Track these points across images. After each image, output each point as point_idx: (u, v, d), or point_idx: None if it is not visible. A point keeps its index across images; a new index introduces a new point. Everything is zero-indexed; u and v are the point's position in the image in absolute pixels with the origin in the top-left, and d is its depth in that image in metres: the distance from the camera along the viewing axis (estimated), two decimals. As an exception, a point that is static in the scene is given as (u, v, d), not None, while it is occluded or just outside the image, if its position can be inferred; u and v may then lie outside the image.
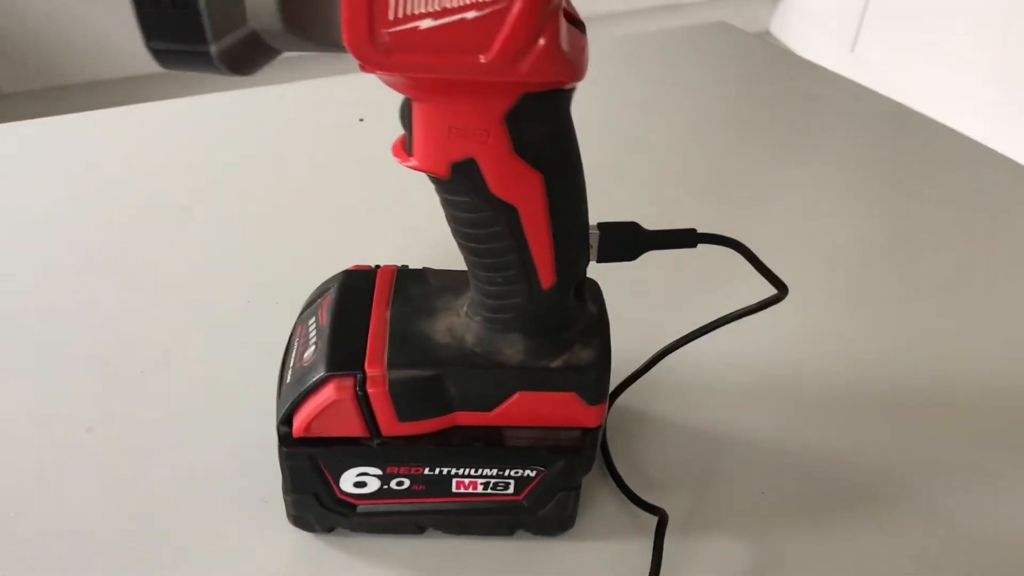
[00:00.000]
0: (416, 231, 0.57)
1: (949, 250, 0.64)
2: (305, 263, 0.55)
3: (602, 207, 0.40)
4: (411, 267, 0.43)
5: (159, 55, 0.29)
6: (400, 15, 0.28)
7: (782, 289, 0.41)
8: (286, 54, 0.31)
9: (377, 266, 0.43)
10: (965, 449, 0.48)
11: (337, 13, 0.28)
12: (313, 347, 0.39)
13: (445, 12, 0.28)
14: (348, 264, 0.44)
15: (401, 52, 0.29)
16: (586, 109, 0.35)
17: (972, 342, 0.56)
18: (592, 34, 0.34)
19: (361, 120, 0.73)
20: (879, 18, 2.31)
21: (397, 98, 0.33)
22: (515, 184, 0.34)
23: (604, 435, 0.47)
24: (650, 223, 0.40)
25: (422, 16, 0.28)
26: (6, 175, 0.66)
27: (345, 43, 0.28)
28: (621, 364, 0.40)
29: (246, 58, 0.30)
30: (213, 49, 0.29)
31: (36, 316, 0.54)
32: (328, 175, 0.67)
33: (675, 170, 0.70)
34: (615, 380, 0.42)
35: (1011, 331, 0.57)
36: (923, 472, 0.46)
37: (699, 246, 0.39)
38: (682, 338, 0.44)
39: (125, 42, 1.99)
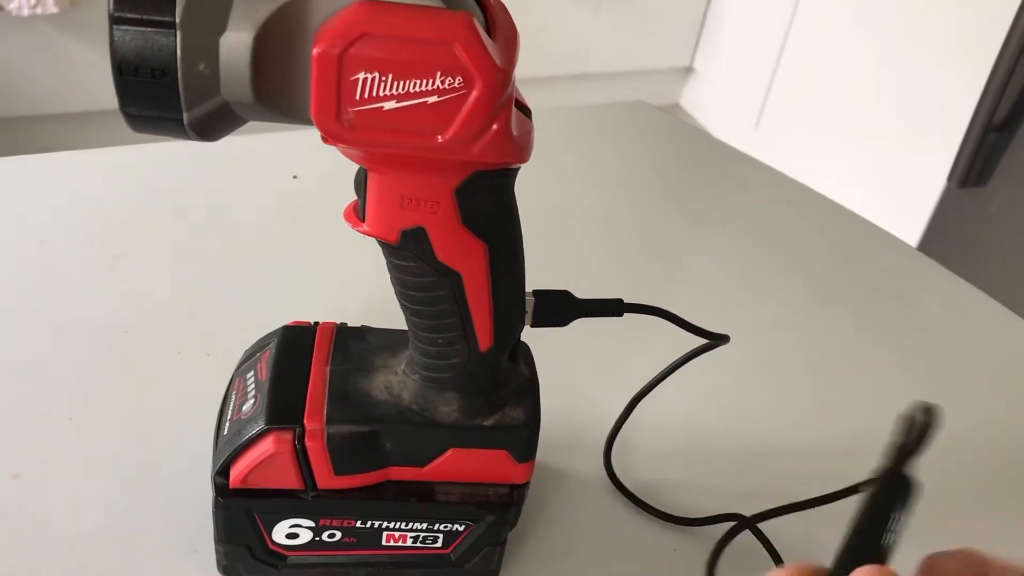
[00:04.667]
0: (349, 289, 0.59)
1: (846, 322, 0.69)
2: (236, 316, 0.56)
3: (530, 274, 0.42)
4: (348, 324, 0.45)
5: (132, 119, 0.31)
6: (366, 96, 0.30)
7: (721, 339, 0.44)
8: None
9: (316, 323, 0.44)
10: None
11: (306, 90, 0.30)
12: (252, 400, 0.41)
13: (408, 96, 0.30)
14: (279, 319, 0.45)
15: (364, 129, 0.31)
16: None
17: (864, 408, 0.60)
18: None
19: (295, 177, 0.74)
20: (782, 97, 2.44)
21: (331, 157, 0.35)
22: (461, 252, 0.36)
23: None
24: (574, 290, 0.42)
25: (387, 98, 0.30)
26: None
27: (313, 118, 0.31)
28: (547, 424, 0.42)
29: (215, 126, 0.31)
30: (186, 118, 0.30)
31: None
32: (261, 230, 0.69)
33: (596, 240, 0.74)
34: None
35: (903, 398, 0.61)
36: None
37: (628, 316, 0.42)
38: (651, 382, 0.47)
39: (40, 76, 1.95)
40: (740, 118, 2.57)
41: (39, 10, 1.80)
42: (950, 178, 1.92)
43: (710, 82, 2.75)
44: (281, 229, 0.69)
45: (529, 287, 0.41)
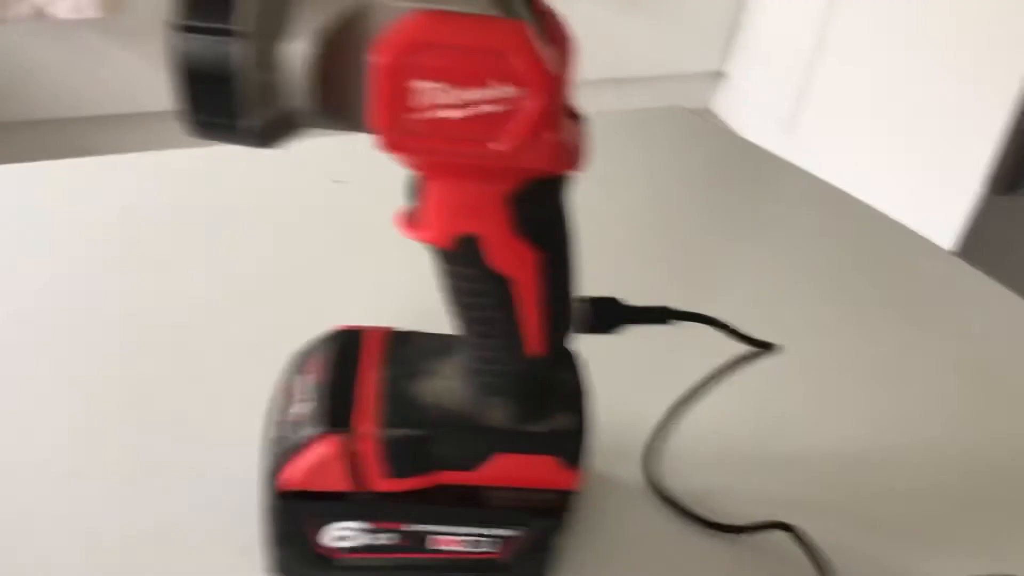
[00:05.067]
0: (393, 293, 0.59)
1: (888, 329, 0.68)
2: (281, 320, 0.57)
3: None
4: (398, 329, 0.45)
5: (194, 126, 0.31)
6: (423, 104, 0.31)
7: (769, 347, 0.44)
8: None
9: (366, 327, 0.45)
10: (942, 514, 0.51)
11: (364, 98, 0.31)
12: (304, 403, 0.41)
13: (464, 104, 0.31)
14: (324, 322, 0.45)
15: (420, 137, 0.31)
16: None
17: (909, 416, 0.59)
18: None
19: (337, 182, 0.75)
20: (814, 102, 2.42)
21: (374, 162, 0.35)
22: (513, 259, 0.36)
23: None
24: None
25: (442, 107, 0.31)
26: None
27: (370, 126, 0.31)
28: (598, 429, 0.42)
29: (275, 134, 0.32)
30: (246, 124, 0.31)
31: (16, 362, 0.54)
32: (305, 234, 0.69)
33: (636, 246, 0.74)
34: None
35: (944, 406, 0.61)
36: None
37: (674, 323, 0.42)
38: (693, 390, 0.47)
39: (88, 82, 1.99)
40: (772, 123, 2.56)
41: (80, 14, 1.83)
42: (987, 185, 1.90)
43: (741, 87, 2.74)
44: (322, 234, 0.70)
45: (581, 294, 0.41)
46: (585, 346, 0.44)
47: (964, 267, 0.79)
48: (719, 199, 0.85)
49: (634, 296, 0.43)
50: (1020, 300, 0.75)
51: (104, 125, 2.06)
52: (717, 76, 2.83)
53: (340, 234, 0.70)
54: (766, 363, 0.46)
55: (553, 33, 0.33)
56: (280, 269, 0.65)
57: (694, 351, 0.48)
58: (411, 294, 0.49)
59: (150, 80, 2.02)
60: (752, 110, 2.70)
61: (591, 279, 0.44)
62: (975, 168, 1.91)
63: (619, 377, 0.55)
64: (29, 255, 0.63)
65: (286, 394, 0.43)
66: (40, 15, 1.83)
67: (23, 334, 0.56)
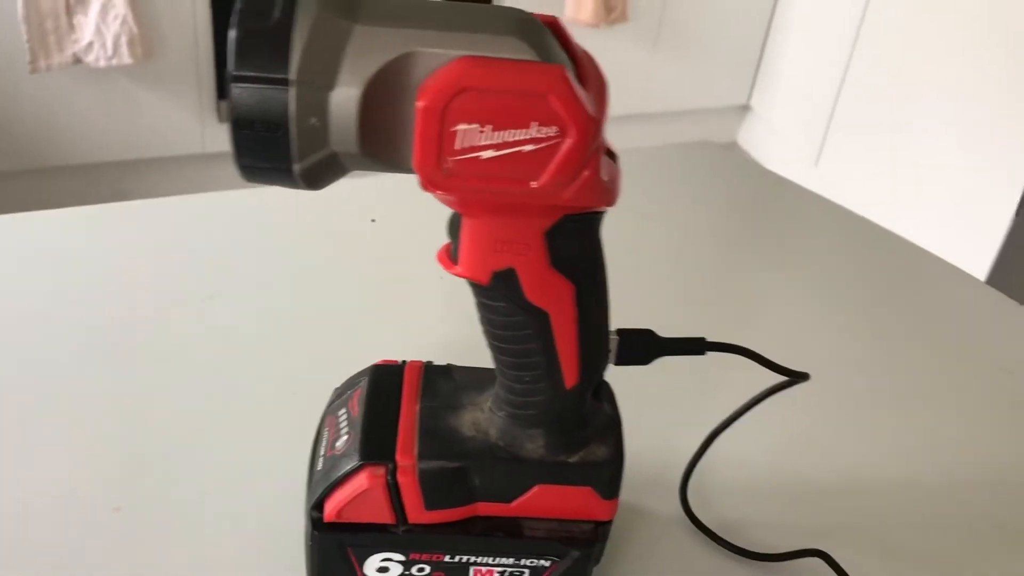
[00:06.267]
0: (429, 328, 0.60)
1: (920, 359, 0.69)
2: (322, 356, 0.58)
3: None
4: (434, 363, 0.46)
5: (246, 170, 0.33)
6: (466, 146, 0.32)
7: (801, 376, 0.45)
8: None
9: (404, 361, 0.46)
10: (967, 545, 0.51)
11: (409, 141, 0.32)
12: (345, 436, 0.42)
13: (505, 145, 0.32)
14: (363, 358, 0.46)
15: (462, 177, 0.33)
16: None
17: (943, 446, 0.60)
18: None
19: (374, 221, 0.76)
20: (841, 134, 2.43)
21: (408, 201, 0.36)
22: (549, 292, 0.37)
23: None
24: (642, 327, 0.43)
25: (485, 148, 0.32)
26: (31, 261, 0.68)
27: (415, 168, 0.32)
28: (626, 461, 0.43)
29: (322, 176, 0.33)
30: (296, 168, 0.32)
31: (66, 399, 0.55)
32: (343, 272, 0.71)
33: (668, 279, 0.75)
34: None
35: (978, 436, 0.61)
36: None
37: (707, 354, 0.43)
38: (727, 419, 0.47)
39: (116, 125, 2.03)
40: (798, 155, 2.56)
41: (115, 61, 1.88)
42: (1018, 212, 1.89)
43: (768, 120, 2.75)
44: (360, 271, 0.71)
45: (616, 326, 0.42)
46: (620, 377, 0.45)
47: (995, 295, 0.79)
48: (748, 232, 0.86)
49: (667, 327, 0.44)
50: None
51: (136, 169, 2.11)
52: (744, 110, 2.84)
53: (377, 270, 0.71)
54: (798, 393, 0.46)
55: (588, 75, 0.34)
56: (322, 305, 0.67)
57: (725, 383, 0.49)
58: (449, 328, 0.50)
59: (181, 124, 2.07)
60: (778, 143, 2.71)
61: (625, 311, 0.45)
62: (1007, 195, 1.90)
63: (653, 408, 0.56)
64: (69, 298, 0.65)
65: (330, 428, 0.44)
66: (78, 62, 1.88)
67: (59, 373, 0.58)
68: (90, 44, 1.87)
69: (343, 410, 0.44)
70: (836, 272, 0.80)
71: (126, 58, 1.89)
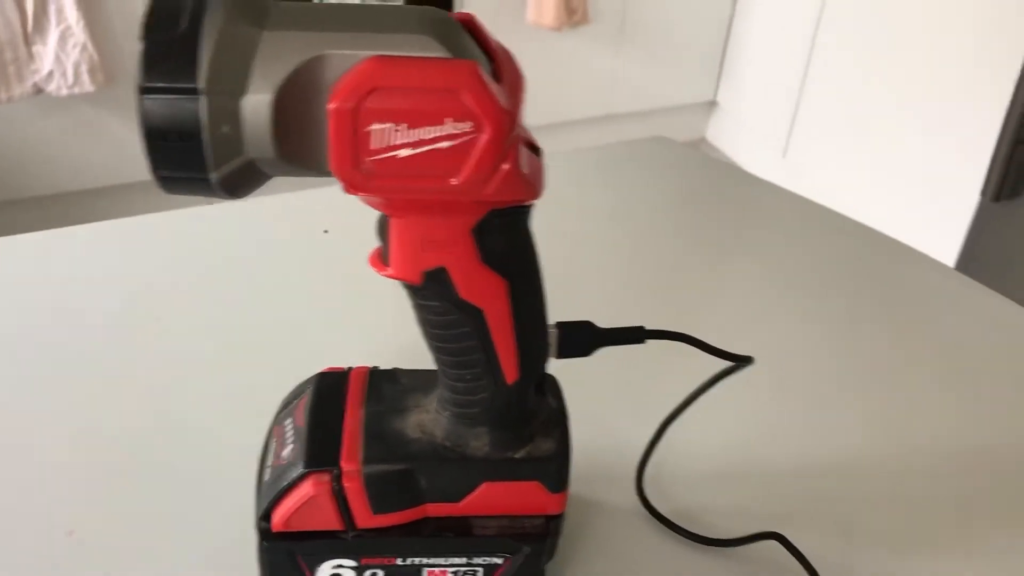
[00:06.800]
0: (382, 335, 0.60)
1: (879, 342, 0.69)
2: (274, 367, 0.58)
3: (556, 308, 0.44)
4: (381, 368, 0.46)
5: (164, 181, 0.33)
6: (381, 145, 0.32)
7: (745, 360, 0.45)
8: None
9: (349, 368, 0.46)
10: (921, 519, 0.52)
11: (325, 144, 0.32)
12: (291, 445, 0.42)
13: (422, 143, 0.32)
14: (318, 368, 0.46)
15: (382, 177, 0.33)
16: (538, 219, 0.39)
17: (900, 425, 0.60)
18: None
19: (326, 232, 0.76)
20: (807, 124, 2.44)
21: (359, 211, 0.37)
22: (482, 289, 0.37)
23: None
24: (605, 323, 0.43)
25: (401, 146, 0.32)
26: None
27: (332, 170, 0.32)
28: (578, 454, 0.43)
29: (242, 183, 0.33)
30: (213, 177, 0.32)
31: (15, 421, 0.55)
32: (294, 283, 0.71)
33: (622, 272, 0.75)
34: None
35: (936, 415, 0.61)
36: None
37: (648, 342, 0.43)
38: (678, 407, 0.47)
39: (81, 153, 2.02)
40: (767, 148, 2.58)
41: (76, 89, 1.88)
42: (983, 192, 1.91)
43: (734, 114, 2.76)
44: (313, 281, 0.71)
45: (557, 320, 0.42)
46: (565, 371, 0.45)
47: (960, 278, 0.80)
48: (704, 223, 0.86)
49: (623, 320, 0.44)
50: (1020, 309, 0.75)
51: (106, 196, 2.10)
52: (711, 106, 2.86)
53: (328, 280, 0.71)
54: (752, 378, 0.46)
55: (504, 70, 0.34)
56: (274, 316, 0.66)
57: (673, 371, 0.49)
58: (398, 333, 0.50)
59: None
60: (746, 136, 2.72)
61: (576, 306, 0.45)
62: (971, 178, 1.92)
63: (602, 400, 0.56)
64: (18, 321, 0.65)
65: (277, 439, 0.44)
66: (39, 92, 1.87)
67: (7, 397, 0.57)
68: (50, 73, 1.86)
69: (289, 420, 0.44)
70: (796, 259, 0.80)
71: (87, 85, 1.88)
